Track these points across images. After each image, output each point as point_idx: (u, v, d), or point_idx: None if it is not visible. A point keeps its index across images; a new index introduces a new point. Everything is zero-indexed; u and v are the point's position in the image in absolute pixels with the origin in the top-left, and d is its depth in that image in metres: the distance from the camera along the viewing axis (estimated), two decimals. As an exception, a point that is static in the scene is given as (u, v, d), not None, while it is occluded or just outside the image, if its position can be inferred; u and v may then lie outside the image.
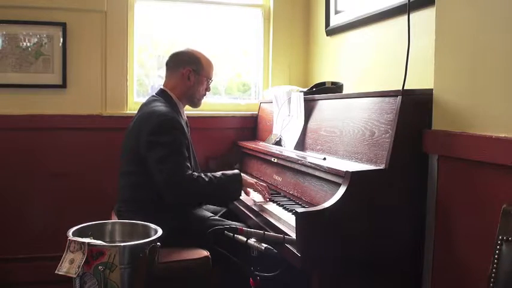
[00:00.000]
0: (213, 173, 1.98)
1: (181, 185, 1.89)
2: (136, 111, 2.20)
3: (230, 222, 2.04)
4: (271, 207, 1.88)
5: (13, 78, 2.58)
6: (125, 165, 2.09)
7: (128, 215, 1.95)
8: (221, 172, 2.01)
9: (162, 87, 2.20)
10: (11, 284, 2.59)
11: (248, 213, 1.98)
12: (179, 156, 1.92)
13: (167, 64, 2.21)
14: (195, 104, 2.25)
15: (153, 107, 2.05)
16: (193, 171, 1.95)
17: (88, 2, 2.65)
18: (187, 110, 2.44)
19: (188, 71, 2.14)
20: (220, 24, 3.06)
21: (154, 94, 2.20)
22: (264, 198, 1.99)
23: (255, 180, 2.11)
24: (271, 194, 2.07)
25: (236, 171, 2.04)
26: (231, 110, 3.00)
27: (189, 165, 1.95)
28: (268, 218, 1.78)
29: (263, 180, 2.33)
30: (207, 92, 2.25)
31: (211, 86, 2.27)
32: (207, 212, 2.16)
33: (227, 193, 2.00)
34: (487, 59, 1.36)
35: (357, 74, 2.50)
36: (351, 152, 1.78)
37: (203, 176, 1.93)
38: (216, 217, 2.11)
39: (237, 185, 1.98)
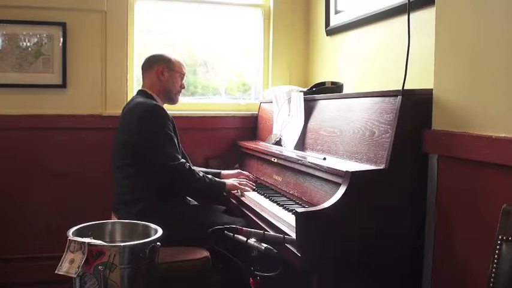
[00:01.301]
0: (203, 173, 2.14)
1: (173, 171, 2.03)
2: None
3: (230, 217, 2.11)
4: (271, 207, 1.88)
5: (13, 78, 2.58)
6: (118, 159, 2.14)
7: (127, 207, 2.01)
8: (211, 176, 2.19)
9: (140, 88, 2.33)
10: (11, 284, 2.58)
11: (248, 212, 1.98)
12: (170, 142, 2.07)
13: (142, 67, 2.36)
14: (173, 99, 2.35)
15: (136, 102, 2.18)
16: (185, 161, 2.10)
17: (88, 2, 2.65)
18: (186, 110, 2.45)
19: (162, 67, 2.28)
20: (220, 24, 3.06)
21: (134, 95, 2.33)
22: (251, 187, 2.19)
23: (237, 181, 2.24)
24: (271, 194, 2.08)
25: (222, 180, 2.22)
26: (231, 110, 3.00)
27: (178, 151, 2.10)
28: (268, 218, 1.78)
29: (263, 180, 2.33)
30: (182, 89, 2.37)
31: (185, 83, 2.40)
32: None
33: (209, 193, 2.18)
34: (487, 59, 1.36)
35: (357, 74, 2.50)
36: (351, 152, 1.78)
37: (196, 171, 2.09)
38: (216, 206, 2.25)
39: (221, 189, 2.16)
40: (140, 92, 2.29)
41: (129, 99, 2.75)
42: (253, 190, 2.20)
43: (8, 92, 2.57)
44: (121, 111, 2.30)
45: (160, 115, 2.09)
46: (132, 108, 2.15)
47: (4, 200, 2.57)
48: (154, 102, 2.18)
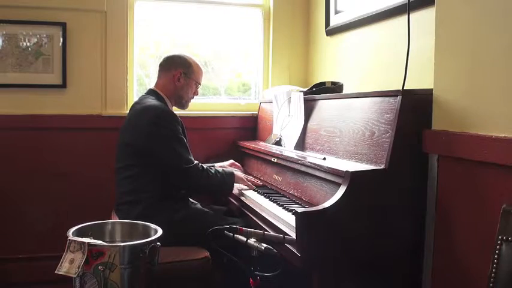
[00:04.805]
0: (214, 168, 2.18)
1: (189, 173, 2.04)
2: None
3: (230, 218, 2.11)
4: (271, 207, 1.88)
5: (13, 78, 2.58)
6: (122, 160, 2.14)
7: (129, 207, 2.02)
8: (221, 168, 2.24)
9: (151, 87, 2.30)
10: (11, 284, 2.59)
11: (248, 212, 1.98)
12: (182, 146, 2.07)
13: (160, 65, 2.32)
14: (183, 105, 2.34)
15: (146, 103, 2.15)
16: (198, 162, 2.12)
17: (88, 2, 2.65)
18: (187, 110, 2.44)
19: (179, 72, 2.24)
20: (220, 24, 3.06)
21: (144, 94, 2.29)
22: (251, 187, 2.22)
23: (245, 175, 2.30)
24: (271, 194, 2.08)
25: (230, 170, 2.26)
26: (231, 110, 3.00)
27: (190, 153, 2.10)
28: (268, 218, 1.78)
29: (263, 180, 2.33)
30: (194, 96, 2.36)
31: (199, 90, 2.38)
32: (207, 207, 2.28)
33: (223, 187, 2.18)
34: (486, 59, 1.36)
35: (357, 74, 2.50)
36: (351, 152, 1.78)
37: (209, 169, 2.11)
38: (216, 207, 2.27)
39: (231, 180, 2.19)
40: (151, 92, 2.25)
41: (129, 98, 2.77)
42: (254, 190, 2.21)
43: (8, 92, 2.57)
44: (128, 110, 2.28)
45: (170, 120, 2.08)
46: (141, 111, 2.12)
47: (4, 200, 2.57)
48: (164, 106, 2.16)
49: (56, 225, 2.45)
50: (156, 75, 2.34)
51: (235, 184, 2.21)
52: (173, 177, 2.07)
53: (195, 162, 2.08)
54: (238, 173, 2.27)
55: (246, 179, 2.26)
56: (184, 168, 2.04)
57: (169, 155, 2.04)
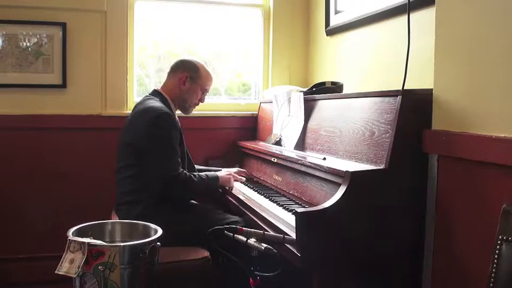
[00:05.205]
0: (199, 174, 2.15)
1: (174, 182, 2.01)
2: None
3: (230, 216, 2.12)
4: (271, 207, 1.88)
5: (13, 78, 2.58)
6: (122, 160, 2.14)
7: (129, 206, 2.02)
8: (205, 173, 2.19)
9: (156, 88, 2.29)
10: (11, 284, 2.59)
11: (248, 212, 1.98)
12: (173, 153, 2.05)
13: (170, 67, 2.32)
14: (186, 110, 2.33)
15: (149, 104, 2.14)
16: (184, 169, 2.09)
17: (88, 2, 2.65)
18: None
19: (185, 76, 2.24)
20: (220, 24, 3.06)
21: (147, 94, 2.29)
22: (240, 180, 2.33)
23: (229, 176, 2.29)
24: (271, 194, 2.08)
25: (214, 174, 2.23)
26: (231, 110, 3.00)
27: (180, 162, 2.08)
28: (268, 218, 1.78)
29: (263, 180, 2.33)
30: (199, 102, 2.35)
31: (205, 97, 2.36)
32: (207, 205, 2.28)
33: (208, 191, 2.24)
34: (486, 59, 1.36)
35: (357, 74, 2.50)
36: (351, 152, 1.78)
37: (193, 176, 2.08)
38: (217, 211, 2.22)
39: (216, 184, 2.21)
40: (155, 93, 2.24)
41: (129, 99, 2.77)
42: (254, 190, 2.21)
43: (8, 92, 2.57)
44: (131, 110, 2.27)
45: (168, 124, 2.06)
46: (142, 112, 2.12)
47: (4, 200, 2.57)
48: (166, 108, 2.13)
49: (56, 225, 2.45)
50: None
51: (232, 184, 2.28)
52: (157, 182, 2.03)
53: (180, 171, 2.04)
54: (223, 175, 2.25)
55: (232, 176, 2.28)
56: (169, 176, 2.00)
57: (156, 158, 2.02)
